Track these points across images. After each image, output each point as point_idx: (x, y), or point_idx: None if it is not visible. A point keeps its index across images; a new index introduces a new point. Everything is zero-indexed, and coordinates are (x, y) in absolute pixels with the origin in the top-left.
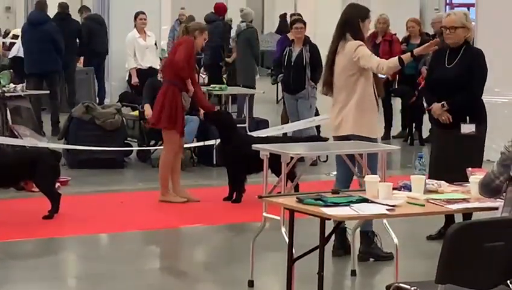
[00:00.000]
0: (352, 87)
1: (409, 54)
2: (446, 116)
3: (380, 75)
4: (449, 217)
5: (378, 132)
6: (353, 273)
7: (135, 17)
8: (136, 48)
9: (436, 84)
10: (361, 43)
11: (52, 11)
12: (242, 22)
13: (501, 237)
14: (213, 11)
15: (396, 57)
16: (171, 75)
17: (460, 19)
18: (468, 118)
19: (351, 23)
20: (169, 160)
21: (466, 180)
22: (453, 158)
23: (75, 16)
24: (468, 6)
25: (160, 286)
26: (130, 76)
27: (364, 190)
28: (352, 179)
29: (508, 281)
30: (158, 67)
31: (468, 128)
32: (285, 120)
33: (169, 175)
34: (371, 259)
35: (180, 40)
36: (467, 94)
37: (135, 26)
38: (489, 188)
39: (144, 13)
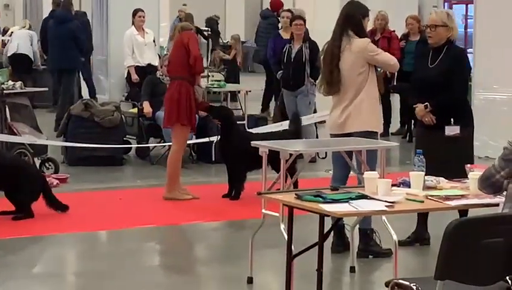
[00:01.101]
0: (360, 84)
1: None
2: (429, 118)
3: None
4: (421, 220)
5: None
6: (352, 269)
7: (133, 15)
8: (135, 45)
9: (419, 84)
10: (369, 40)
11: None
12: None
13: (500, 234)
14: (268, 7)
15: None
16: (181, 72)
17: (441, 18)
18: (452, 119)
19: (353, 20)
20: (180, 157)
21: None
22: (437, 160)
23: None
24: (467, 3)
25: (159, 282)
26: (128, 73)
27: (363, 187)
28: (348, 177)
29: (507, 277)
30: (157, 64)
31: (452, 130)
32: (277, 118)
33: (179, 172)
34: (370, 256)
35: (182, 36)
36: (449, 95)
37: (133, 23)
38: (489, 182)
39: (142, 11)
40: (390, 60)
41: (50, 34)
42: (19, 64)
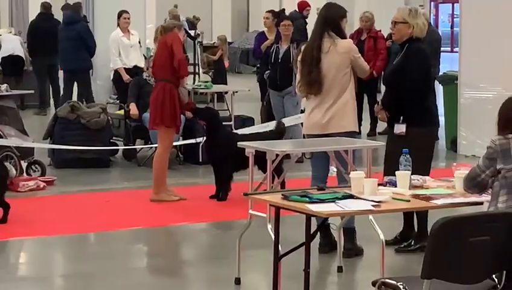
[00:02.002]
0: (344, 84)
1: None
2: (382, 115)
3: None
4: (408, 221)
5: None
6: (339, 269)
7: (118, 16)
8: (121, 46)
9: (384, 82)
10: (352, 41)
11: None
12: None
13: (486, 232)
14: (296, 9)
15: None
16: (166, 74)
17: (402, 15)
18: (401, 118)
19: (333, 21)
20: (166, 158)
21: None
22: (391, 158)
23: (58, 14)
24: (453, 2)
25: (147, 284)
26: (114, 75)
27: (350, 186)
28: (328, 176)
29: (494, 276)
30: (143, 65)
31: (399, 128)
32: (263, 118)
33: (166, 173)
34: (356, 255)
35: (166, 37)
36: (396, 92)
37: (118, 25)
38: (474, 182)
39: (127, 12)
40: (366, 66)
41: (60, 36)
42: (13, 66)
